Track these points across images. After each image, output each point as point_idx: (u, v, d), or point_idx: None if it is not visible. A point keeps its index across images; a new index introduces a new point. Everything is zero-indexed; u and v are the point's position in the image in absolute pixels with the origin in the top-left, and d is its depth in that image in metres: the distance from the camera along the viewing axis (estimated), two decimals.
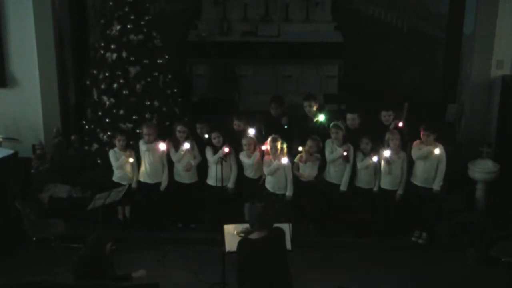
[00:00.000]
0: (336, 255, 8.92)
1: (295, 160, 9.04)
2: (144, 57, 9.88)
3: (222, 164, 8.70)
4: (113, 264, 7.26)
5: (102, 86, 9.97)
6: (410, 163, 9.01)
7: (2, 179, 8.85)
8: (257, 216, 6.24)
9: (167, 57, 10.21)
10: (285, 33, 13.26)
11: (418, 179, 8.96)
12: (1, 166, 8.92)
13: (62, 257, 8.40)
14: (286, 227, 7.08)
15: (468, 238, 9.03)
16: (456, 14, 11.78)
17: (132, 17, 9.78)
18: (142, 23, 9.87)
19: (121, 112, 9.88)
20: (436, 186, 8.89)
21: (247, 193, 9.21)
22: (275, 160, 8.80)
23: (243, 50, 13.02)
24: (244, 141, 8.99)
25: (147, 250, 9.03)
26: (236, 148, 9.10)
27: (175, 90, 10.44)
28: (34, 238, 8.59)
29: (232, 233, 7.41)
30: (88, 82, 10.23)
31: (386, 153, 8.80)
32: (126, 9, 9.78)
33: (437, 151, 8.77)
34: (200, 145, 9.22)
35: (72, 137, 10.51)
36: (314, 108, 9.56)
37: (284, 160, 8.81)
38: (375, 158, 8.84)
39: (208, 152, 9.06)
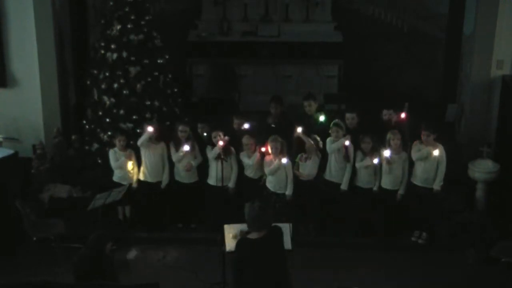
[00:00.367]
0: (336, 255, 8.92)
1: (296, 159, 9.05)
2: (144, 57, 9.89)
3: (222, 164, 8.70)
4: (113, 264, 7.26)
5: (103, 86, 9.97)
6: (411, 163, 9.01)
7: (2, 179, 8.85)
8: (255, 217, 6.23)
9: (167, 57, 10.22)
10: (285, 33, 13.26)
11: (418, 179, 8.96)
12: (1, 166, 8.92)
13: (62, 257, 8.40)
14: (286, 227, 7.10)
15: (468, 238, 9.04)
16: (456, 14, 11.78)
17: (132, 17, 9.79)
18: (142, 23, 9.88)
19: (121, 112, 9.89)
20: (437, 186, 8.89)
21: (248, 193, 9.21)
22: (276, 159, 8.80)
23: (243, 50, 13.02)
24: (244, 141, 8.99)
25: (147, 250, 9.03)
26: (237, 148, 9.10)
27: (175, 90, 10.45)
28: (34, 238, 8.59)
29: (233, 235, 7.39)
30: (88, 82, 10.24)
31: (386, 153, 8.80)
32: (126, 9, 9.79)
33: (436, 152, 8.77)
34: (201, 145, 9.22)
35: (73, 137, 10.52)
36: (314, 108, 9.56)
37: (284, 159, 8.82)
38: (375, 160, 8.83)
39: (209, 151, 9.07)
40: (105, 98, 9.94)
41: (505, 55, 10.46)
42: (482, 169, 9.52)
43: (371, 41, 13.19)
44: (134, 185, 9.23)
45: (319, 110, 9.66)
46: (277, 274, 6.20)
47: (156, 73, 10.03)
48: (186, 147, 8.98)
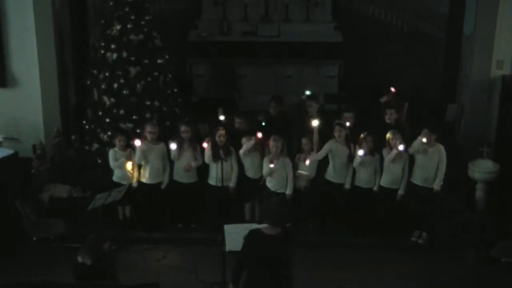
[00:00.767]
0: (336, 255, 8.92)
1: (295, 159, 9.06)
2: (144, 57, 9.89)
3: (222, 164, 8.71)
4: (114, 264, 7.27)
5: (103, 86, 9.97)
6: (411, 163, 9.01)
7: (2, 179, 8.85)
8: (273, 213, 6.26)
9: (167, 57, 10.22)
10: (285, 33, 13.26)
11: (418, 179, 8.96)
12: (1, 166, 8.92)
13: (62, 257, 8.40)
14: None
15: (468, 238, 9.03)
16: (456, 14, 11.78)
17: (132, 17, 9.79)
18: (142, 23, 9.88)
19: (121, 112, 9.89)
20: (437, 186, 8.89)
21: (248, 192, 9.22)
22: (276, 159, 8.81)
23: (243, 50, 13.02)
24: (245, 140, 8.98)
25: (147, 250, 9.03)
26: (237, 148, 9.09)
27: (175, 90, 10.45)
28: (34, 238, 8.59)
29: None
30: (88, 82, 10.24)
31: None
32: (126, 9, 9.79)
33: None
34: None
35: (73, 137, 10.52)
36: (315, 109, 9.57)
37: (285, 159, 8.83)
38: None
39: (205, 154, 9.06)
40: (105, 98, 9.94)
41: (505, 55, 10.46)
42: (482, 169, 9.51)
43: (371, 41, 13.19)
44: (134, 185, 9.22)
45: (320, 110, 9.67)
46: (279, 274, 6.21)
47: (156, 73, 10.03)
48: (173, 146, 8.97)
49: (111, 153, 9.14)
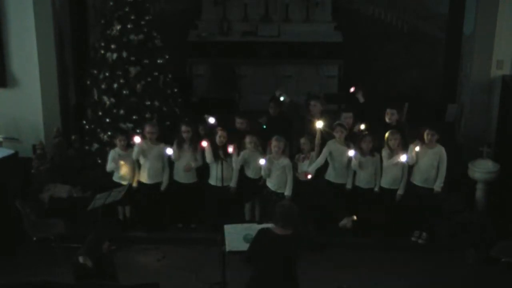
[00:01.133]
0: (336, 255, 8.92)
1: (295, 160, 9.06)
2: (144, 57, 9.89)
3: (222, 164, 8.71)
4: (114, 264, 7.27)
5: (103, 86, 9.97)
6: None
7: (2, 179, 8.85)
8: (283, 213, 6.26)
9: (167, 57, 10.22)
10: (285, 33, 13.26)
11: (418, 179, 8.96)
12: (1, 166, 8.92)
13: (62, 257, 8.40)
14: None
15: (468, 238, 9.03)
16: (456, 14, 11.78)
17: (132, 17, 9.79)
18: (142, 23, 9.88)
19: (121, 112, 9.89)
20: (437, 187, 8.89)
21: (248, 192, 9.22)
22: (276, 159, 8.81)
23: (243, 50, 13.03)
24: (247, 140, 8.98)
25: (147, 250, 9.03)
26: (238, 148, 9.08)
27: (175, 90, 10.45)
28: (34, 238, 8.59)
29: None
30: (88, 82, 10.24)
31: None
32: (126, 9, 9.79)
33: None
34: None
35: (73, 137, 10.52)
36: (319, 109, 9.57)
37: (285, 159, 8.83)
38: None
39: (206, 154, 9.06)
40: (105, 98, 9.94)
41: (505, 55, 10.46)
42: (482, 169, 9.51)
43: (371, 41, 13.20)
44: (135, 185, 9.22)
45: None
46: (286, 274, 6.22)
47: (156, 73, 10.03)
48: (169, 151, 8.96)
49: (111, 153, 9.13)
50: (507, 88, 10.25)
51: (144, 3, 9.95)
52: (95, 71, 10.10)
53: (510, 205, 9.34)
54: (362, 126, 9.28)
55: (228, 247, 7.24)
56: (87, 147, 10.28)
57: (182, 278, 8.44)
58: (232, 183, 9.12)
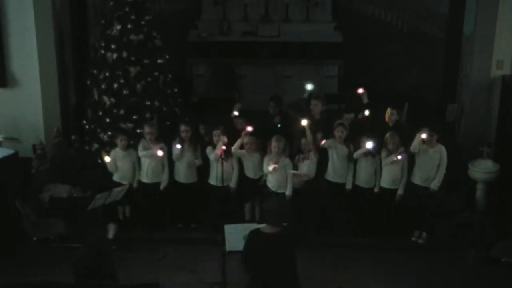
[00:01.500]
0: (336, 255, 8.92)
1: (295, 161, 9.06)
2: (144, 57, 9.89)
3: (223, 164, 8.71)
4: (114, 264, 7.26)
5: (103, 86, 9.97)
6: (411, 163, 9.01)
7: (2, 179, 8.85)
8: (272, 212, 6.26)
9: (167, 57, 10.22)
10: (285, 33, 13.27)
11: (418, 179, 8.96)
12: (1, 166, 8.92)
13: (62, 257, 8.40)
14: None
15: (468, 238, 9.04)
16: (456, 14, 11.79)
17: (132, 17, 9.79)
18: (142, 23, 9.88)
19: (122, 112, 9.89)
20: (434, 186, 8.88)
21: (248, 192, 9.22)
22: (276, 159, 8.81)
23: (243, 50, 13.03)
24: (245, 140, 8.98)
25: (147, 250, 9.03)
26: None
27: (175, 90, 10.45)
28: (34, 238, 8.60)
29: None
30: (88, 82, 10.25)
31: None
32: (127, 9, 9.79)
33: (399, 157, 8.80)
34: (201, 146, 9.21)
35: (73, 137, 10.52)
36: (320, 108, 9.57)
37: (285, 159, 8.83)
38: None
39: (209, 152, 9.06)
40: (105, 98, 9.94)
41: (505, 55, 10.46)
42: (482, 169, 9.51)
43: (371, 41, 13.20)
44: (135, 184, 9.22)
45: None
46: (284, 272, 6.22)
47: (156, 73, 10.03)
48: (178, 147, 8.96)
49: (112, 153, 9.12)
50: (507, 88, 10.25)
51: (144, 3, 9.96)
52: (95, 71, 10.10)
53: (510, 205, 9.34)
54: (367, 112, 9.33)
55: (228, 247, 7.25)
56: (87, 147, 10.28)
57: (182, 278, 8.44)
58: (232, 183, 9.13)
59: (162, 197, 9.29)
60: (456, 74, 11.83)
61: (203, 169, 9.22)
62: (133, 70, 9.85)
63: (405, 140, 9.03)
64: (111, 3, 9.96)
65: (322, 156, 9.07)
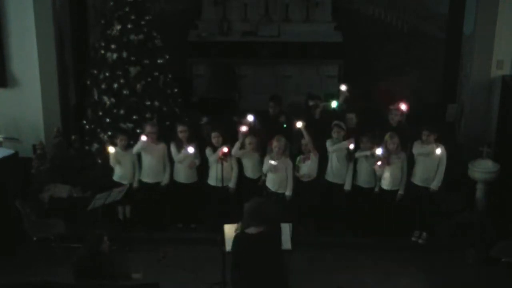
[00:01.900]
0: (336, 255, 8.92)
1: (296, 163, 9.05)
2: (144, 57, 9.89)
3: (222, 164, 8.71)
4: (113, 264, 7.26)
5: (103, 86, 9.97)
6: (411, 163, 9.01)
7: (2, 179, 8.85)
8: (253, 211, 6.23)
9: (167, 57, 10.22)
10: (285, 33, 13.27)
11: (418, 179, 8.96)
12: (1, 166, 8.93)
13: (62, 257, 8.40)
14: (286, 226, 7.11)
15: (468, 238, 9.04)
16: (456, 14, 11.78)
17: (132, 17, 9.79)
18: (142, 23, 9.88)
19: (122, 112, 9.89)
20: (434, 186, 8.88)
21: (248, 193, 9.21)
22: (277, 159, 8.81)
23: (243, 50, 13.03)
24: (247, 140, 8.99)
25: (147, 250, 9.03)
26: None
27: (175, 90, 10.44)
28: (34, 238, 8.60)
29: (232, 233, 7.39)
30: (88, 82, 10.24)
31: (378, 151, 8.76)
32: (127, 9, 9.79)
33: (438, 151, 8.77)
34: (201, 146, 9.21)
35: (73, 137, 10.52)
36: (320, 108, 9.57)
37: (286, 159, 8.83)
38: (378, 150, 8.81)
39: (209, 153, 9.07)
40: (105, 98, 9.94)
41: (505, 55, 10.46)
42: (482, 169, 9.51)
43: (371, 41, 13.20)
44: (135, 184, 9.22)
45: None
46: (272, 271, 6.20)
47: (156, 73, 10.03)
48: (191, 149, 8.95)
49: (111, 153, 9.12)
50: (507, 88, 10.25)
51: (144, 3, 9.95)
52: (95, 71, 10.10)
53: (510, 205, 9.34)
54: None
55: (228, 247, 7.24)
56: (87, 147, 10.28)
57: (182, 278, 8.44)
58: (232, 184, 9.13)
59: (162, 197, 9.29)
60: (456, 74, 11.82)
61: (203, 169, 9.22)
62: (133, 70, 9.84)
63: (406, 140, 9.04)
64: (111, 3, 9.96)
65: (322, 156, 9.07)
